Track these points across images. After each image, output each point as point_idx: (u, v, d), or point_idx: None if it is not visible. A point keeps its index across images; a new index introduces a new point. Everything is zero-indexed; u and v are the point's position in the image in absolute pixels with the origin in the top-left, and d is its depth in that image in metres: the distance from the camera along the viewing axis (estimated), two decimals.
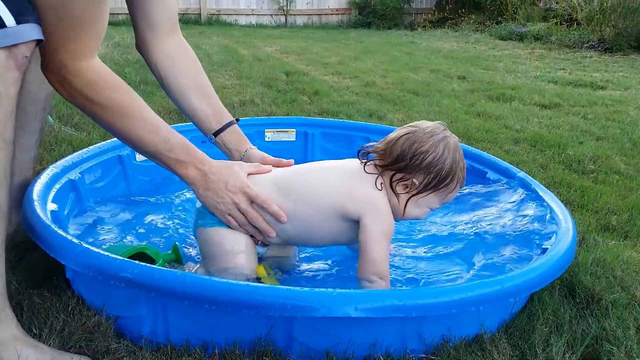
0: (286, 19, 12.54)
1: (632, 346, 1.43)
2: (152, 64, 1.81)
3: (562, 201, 2.15)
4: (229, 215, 1.58)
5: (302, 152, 2.86)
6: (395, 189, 1.60)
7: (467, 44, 9.47)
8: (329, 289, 1.33)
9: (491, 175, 2.29)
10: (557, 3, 9.77)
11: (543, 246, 1.71)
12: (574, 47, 8.71)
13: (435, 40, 10.14)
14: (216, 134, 1.88)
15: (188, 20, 11.61)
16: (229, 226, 1.61)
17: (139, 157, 2.43)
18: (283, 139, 2.84)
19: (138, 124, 1.45)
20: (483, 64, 6.94)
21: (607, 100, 4.78)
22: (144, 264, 1.36)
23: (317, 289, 1.35)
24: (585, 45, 8.68)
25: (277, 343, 1.34)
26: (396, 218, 1.64)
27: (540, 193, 2.01)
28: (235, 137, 1.89)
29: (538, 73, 6.32)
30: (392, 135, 1.62)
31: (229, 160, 1.85)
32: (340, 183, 1.61)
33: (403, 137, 1.59)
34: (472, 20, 11.95)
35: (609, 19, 8.48)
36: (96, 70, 1.38)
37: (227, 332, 1.34)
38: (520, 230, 1.95)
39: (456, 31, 11.52)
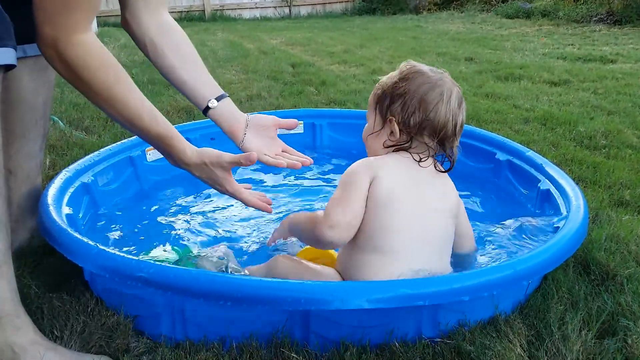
0: (290, 10, 12.50)
1: None
2: (142, 37, 1.74)
3: (574, 178, 2.14)
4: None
5: (310, 144, 2.87)
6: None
7: (474, 25, 9.37)
8: (341, 281, 1.35)
9: (500, 155, 2.28)
10: None
11: (554, 225, 1.70)
12: (582, 22, 8.59)
13: (441, 22, 10.04)
14: (207, 110, 1.83)
15: (192, 18, 11.63)
16: None
17: (150, 157, 2.46)
18: (291, 132, 2.85)
19: (120, 107, 1.40)
20: (490, 44, 6.87)
21: (617, 73, 4.72)
22: (159, 263, 1.39)
23: (330, 282, 1.37)
24: (594, 18, 8.56)
25: (294, 335, 1.36)
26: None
27: (550, 171, 2.00)
28: (232, 112, 1.84)
29: (546, 50, 6.24)
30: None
31: (224, 131, 1.83)
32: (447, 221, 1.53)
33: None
34: (477, 0, 11.81)
35: None
36: (87, 46, 1.31)
37: (243, 326, 1.36)
38: (529, 211, 1.95)
39: (462, 12, 11.40)
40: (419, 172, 1.48)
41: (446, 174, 1.53)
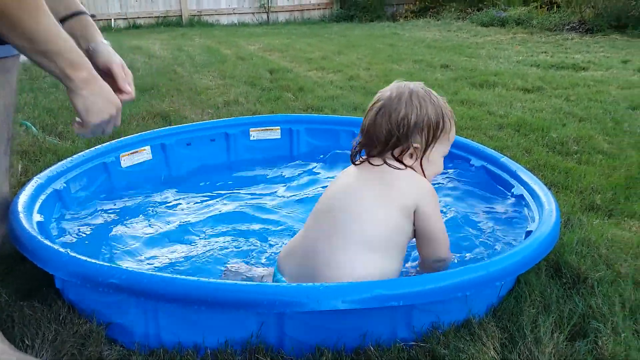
0: (268, 17, 12.50)
1: (617, 322, 1.45)
2: None
3: (546, 183, 2.18)
4: (101, 125, 1.47)
5: (287, 149, 2.87)
6: (405, 162, 1.57)
7: (450, 33, 9.49)
8: (316, 283, 1.35)
9: (475, 161, 2.31)
10: None
11: (527, 229, 1.73)
12: (555, 30, 8.76)
13: (417, 30, 10.14)
14: (64, 20, 1.60)
15: (169, 23, 11.54)
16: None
17: (125, 163, 2.44)
18: (268, 137, 2.85)
19: (45, 19, 1.26)
20: (466, 52, 6.96)
21: (589, 81, 4.82)
22: (131, 269, 1.37)
23: (304, 284, 1.37)
24: (566, 27, 8.73)
25: (269, 340, 1.36)
26: None
27: (523, 177, 2.03)
28: (88, 28, 1.64)
29: (520, 58, 6.35)
30: (366, 122, 1.59)
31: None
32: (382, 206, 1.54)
33: (377, 117, 1.55)
34: (453, 9, 11.96)
35: (588, 0, 8.52)
36: None
37: (218, 332, 1.35)
38: (503, 216, 1.97)
39: (438, 20, 11.52)
40: None
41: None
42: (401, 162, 1.57)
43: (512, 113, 3.71)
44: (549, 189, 1.96)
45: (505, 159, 2.20)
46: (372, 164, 1.58)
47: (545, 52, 6.78)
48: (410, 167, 1.58)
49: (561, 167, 2.62)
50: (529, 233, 1.68)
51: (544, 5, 9.99)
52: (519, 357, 1.34)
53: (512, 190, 2.05)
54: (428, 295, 1.33)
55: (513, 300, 1.55)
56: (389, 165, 1.56)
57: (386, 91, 1.59)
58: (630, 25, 8.04)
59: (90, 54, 1.59)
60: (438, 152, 1.61)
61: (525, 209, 1.91)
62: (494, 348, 1.36)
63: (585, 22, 8.57)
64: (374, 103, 1.58)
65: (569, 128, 3.32)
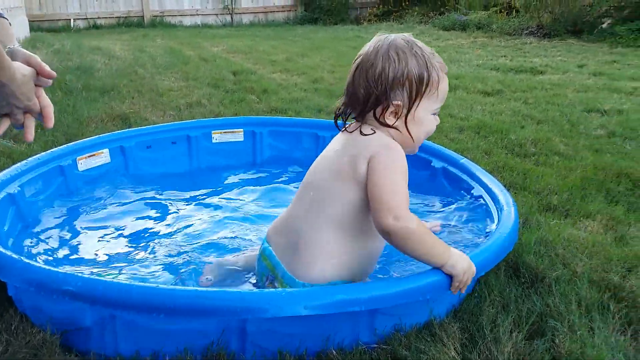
0: (232, 18, 12.41)
1: (574, 320, 1.49)
2: None
3: (505, 184, 2.22)
4: (14, 116, 1.34)
5: (251, 152, 2.85)
6: (387, 122, 1.44)
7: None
8: (278, 289, 1.34)
9: (435, 163, 2.34)
10: None
11: (486, 230, 1.75)
12: (514, 34, 8.96)
13: (381, 33, 10.23)
14: None
15: (130, 23, 11.34)
16: None
17: (82, 166, 2.38)
18: (231, 140, 2.82)
19: None
20: None
21: (546, 84, 4.95)
22: (87, 275, 1.33)
23: (266, 290, 1.36)
24: (525, 31, 8.94)
25: (231, 346, 1.34)
26: (414, 149, 1.51)
27: (482, 178, 2.06)
28: (7, 30, 1.53)
29: (481, 61, 6.47)
30: (347, 80, 1.48)
31: None
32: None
33: (355, 73, 1.45)
34: (415, 12, 12.12)
35: (545, 5, 8.76)
36: None
37: (178, 340, 1.33)
38: (463, 217, 2.00)
39: (401, 24, 11.65)
40: None
41: None
42: (384, 123, 1.44)
43: (472, 116, 3.78)
44: (508, 190, 1.99)
45: (464, 161, 2.24)
46: (347, 131, 1.50)
47: (504, 56, 6.93)
48: (394, 127, 1.44)
49: (519, 168, 2.68)
50: (488, 234, 1.71)
51: (503, 10, 10.21)
52: (478, 357, 1.36)
53: (472, 192, 2.08)
54: (390, 300, 1.33)
55: (473, 300, 1.57)
56: (362, 132, 1.44)
57: (366, 46, 1.47)
58: (585, 30, 8.30)
59: (9, 55, 1.53)
60: (425, 110, 1.45)
61: (484, 210, 1.94)
62: (454, 348, 1.37)
63: (543, 27, 8.80)
64: (354, 60, 1.47)
65: (527, 130, 3.39)
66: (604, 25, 8.12)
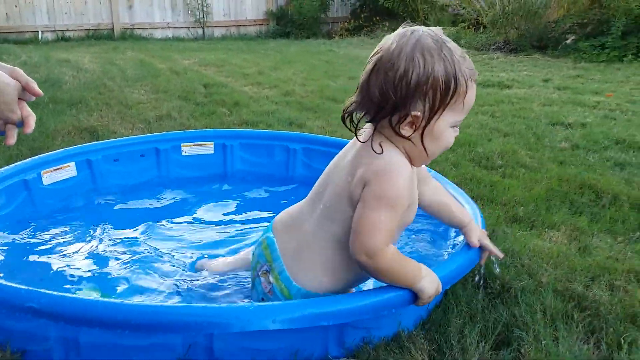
0: (204, 32, 12.38)
1: (539, 330, 1.51)
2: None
3: (472, 196, 2.25)
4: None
5: (221, 164, 2.83)
6: (402, 133, 1.29)
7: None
8: (247, 304, 1.33)
9: None
10: (463, 8, 10.24)
11: (453, 242, 1.78)
12: (482, 49, 9.15)
13: (352, 47, 10.33)
14: None
15: (100, 36, 11.20)
16: None
17: (47, 180, 2.33)
18: (201, 152, 2.81)
19: None
20: None
21: (513, 98, 5.06)
22: (50, 292, 1.30)
23: (234, 304, 1.35)
24: (492, 47, 9.14)
25: None
26: (425, 162, 1.40)
27: (450, 190, 2.08)
28: None
29: None
30: (362, 77, 1.31)
31: None
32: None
33: (371, 72, 1.27)
34: (386, 28, 12.27)
35: (512, 22, 8.97)
36: None
37: (143, 356, 1.31)
38: (430, 229, 2.02)
39: (372, 38, 11.78)
40: None
41: None
42: (398, 133, 1.29)
43: None
44: (475, 202, 2.02)
45: (432, 173, 2.26)
46: (360, 141, 1.36)
47: None
48: (409, 138, 1.30)
49: (486, 180, 2.72)
50: (454, 246, 1.73)
51: (471, 26, 10.42)
52: None
53: None
54: (359, 313, 1.33)
55: (441, 311, 1.58)
56: (372, 148, 1.31)
57: (388, 40, 1.29)
58: (550, 46, 8.52)
59: None
60: (446, 122, 1.30)
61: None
62: (422, 359, 1.38)
63: (510, 43, 9.01)
64: (372, 55, 1.30)
65: (494, 143, 3.46)
66: (568, 41, 8.35)
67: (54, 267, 1.88)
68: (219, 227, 2.21)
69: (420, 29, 1.28)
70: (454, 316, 1.56)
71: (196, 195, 2.57)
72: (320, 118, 4.14)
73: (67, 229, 2.16)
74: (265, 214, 2.34)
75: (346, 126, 1.35)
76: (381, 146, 1.31)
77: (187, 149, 2.78)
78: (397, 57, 1.24)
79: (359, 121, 1.36)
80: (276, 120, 4.02)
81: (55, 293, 1.33)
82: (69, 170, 2.42)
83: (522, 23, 8.83)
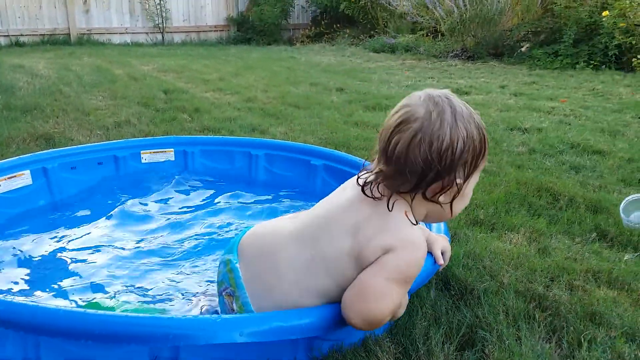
0: (163, 37, 12.22)
1: (502, 330, 1.54)
2: None
3: None
4: None
5: (183, 171, 2.79)
6: (440, 201, 1.29)
7: (344, 57, 9.80)
8: (213, 316, 1.30)
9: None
10: (422, 17, 10.42)
11: None
12: (440, 57, 9.33)
13: (313, 54, 10.38)
14: None
15: (56, 41, 10.92)
16: None
17: (2, 189, 2.25)
18: (161, 160, 2.76)
19: None
20: (359, 76, 7.20)
21: (471, 104, 5.05)
22: (9, 300, 1.26)
23: (200, 316, 1.32)
24: (450, 54, 9.33)
25: None
26: (444, 221, 1.48)
27: None
28: None
29: (409, 82, 6.68)
30: (395, 147, 1.24)
31: None
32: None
33: (410, 143, 1.23)
34: (347, 35, 12.39)
35: (468, 29, 9.18)
36: None
37: None
38: None
39: (333, 45, 11.87)
40: None
41: None
42: (430, 199, 1.28)
43: None
44: None
45: None
46: (370, 197, 1.30)
47: (431, 77, 7.19)
48: (439, 202, 1.29)
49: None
50: None
51: (430, 34, 10.62)
52: None
53: None
54: (329, 327, 1.31)
55: (407, 315, 1.59)
56: (389, 209, 1.27)
57: (419, 106, 1.26)
58: (506, 53, 8.76)
59: None
60: (474, 182, 1.34)
61: None
62: None
63: (467, 50, 9.22)
64: (407, 122, 1.24)
65: None
66: (523, 49, 8.60)
67: (9, 278, 1.81)
68: (177, 235, 2.16)
69: (444, 94, 1.29)
70: (419, 319, 1.57)
71: (156, 203, 2.52)
72: (282, 124, 4.13)
73: (22, 240, 2.08)
74: (227, 219, 2.31)
75: (366, 194, 1.30)
76: (406, 215, 1.29)
77: (146, 157, 2.73)
78: (439, 128, 1.22)
79: (366, 181, 1.32)
80: (238, 127, 3.99)
81: (13, 301, 1.28)
82: (24, 178, 2.34)
83: (478, 31, 9.04)
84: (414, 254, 1.28)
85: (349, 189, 1.39)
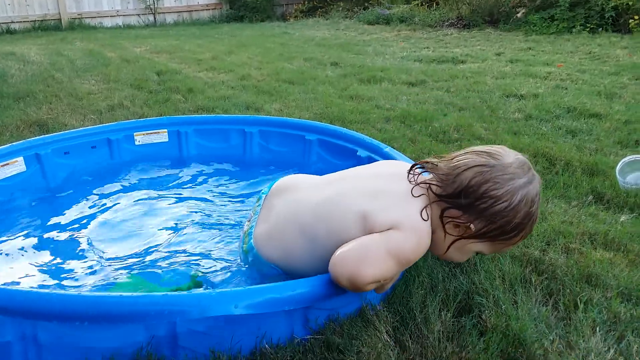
0: (155, 18, 12.08)
1: (498, 295, 1.55)
2: None
3: None
4: None
5: (177, 151, 2.78)
6: (446, 228, 1.35)
7: (338, 31, 9.69)
8: (208, 290, 1.31)
9: (361, 152, 2.37)
10: None
11: None
12: (435, 26, 9.22)
13: (307, 29, 10.26)
14: None
15: (47, 27, 10.80)
16: None
17: None
18: (155, 141, 2.75)
19: None
20: (354, 49, 7.13)
21: (467, 73, 5.12)
22: (4, 286, 1.26)
23: (194, 291, 1.33)
24: (446, 23, 9.23)
25: (161, 351, 1.30)
26: (435, 254, 1.48)
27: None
28: None
29: (404, 53, 6.61)
30: (462, 159, 1.34)
31: None
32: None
33: (475, 168, 1.29)
34: (340, 8, 12.25)
35: None
36: None
37: (104, 349, 1.27)
38: None
39: (327, 19, 11.73)
40: None
41: None
42: (443, 222, 1.35)
43: (397, 106, 3.86)
44: None
45: (388, 149, 2.27)
46: (414, 195, 1.37)
47: (427, 48, 7.12)
48: (444, 232, 1.36)
49: (443, 153, 2.74)
50: None
51: (424, 3, 10.48)
52: (410, 337, 1.39)
53: None
54: (323, 297, 1.33)
55: (403, 284, 1.60)
56: (424, 212, 1.34)
57: (511, 156, 1.32)
58: (501, 20, 8.66)
59: None
60: (479, 248, 1.39)
61: None
62: (386, 331, 1.39)
63: (463, 18, 9.11)
64: (487, 154, 1.32)
65: (450, 117, 3.50)
66: (519, 15, 8.50)
67: (6, 262, 1.81)
68: (175, 220, 2.16)
69: (538, 177, 1.34)
70: (415, 287, 1.57)
71: (151, 184, 2.52)
72: (277, 101, 4.10)
73: (18, 227, 2.08)
74: (225, 200, 2.31)
75: (410, 172, 1.42)
76: (428, 216, 1.35)
77: (140, 138, 2.71)
78: (506, 181, 1.28)
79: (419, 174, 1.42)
80: (233, 105, 3.96)
81: (8, 287, 1.29)
82: (17, 165, 2.33)
83: None
84: (419, 241, 1.33)
85: (394, 167, 1.55)
